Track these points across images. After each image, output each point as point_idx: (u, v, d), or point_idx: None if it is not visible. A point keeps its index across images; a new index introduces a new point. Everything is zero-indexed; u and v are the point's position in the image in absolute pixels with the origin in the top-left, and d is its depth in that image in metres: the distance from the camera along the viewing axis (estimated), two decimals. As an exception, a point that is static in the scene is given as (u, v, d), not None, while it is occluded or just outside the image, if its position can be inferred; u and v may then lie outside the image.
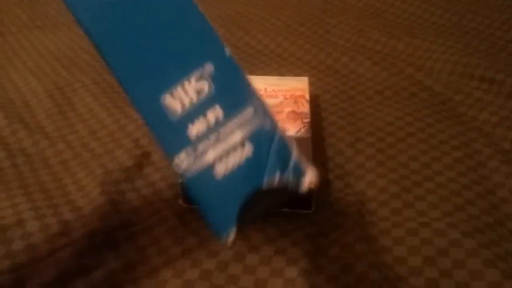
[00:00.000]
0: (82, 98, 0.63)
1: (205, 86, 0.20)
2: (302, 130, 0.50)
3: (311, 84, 0.64)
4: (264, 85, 0.57)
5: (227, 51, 0.20)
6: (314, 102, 0.61)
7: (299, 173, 0.20)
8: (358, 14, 0.84)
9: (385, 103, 0.60)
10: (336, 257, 0.39)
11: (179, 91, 0.20)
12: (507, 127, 0.53)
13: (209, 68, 0.20)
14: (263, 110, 0.20)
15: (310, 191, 0.42)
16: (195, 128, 0.20)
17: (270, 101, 0.54)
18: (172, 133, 0.20)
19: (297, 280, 0.37)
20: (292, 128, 0.50)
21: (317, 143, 0.53)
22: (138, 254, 0.40)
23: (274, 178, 0.20)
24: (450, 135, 0.53)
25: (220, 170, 0.20)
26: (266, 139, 0.20)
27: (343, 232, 0.42)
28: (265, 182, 0.20)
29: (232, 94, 0.20)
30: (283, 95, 0.55)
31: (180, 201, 0.44)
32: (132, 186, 0.48)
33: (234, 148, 0.20)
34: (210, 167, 0.20)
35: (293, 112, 0.52)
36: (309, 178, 0.20)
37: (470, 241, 0.39)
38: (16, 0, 0.98)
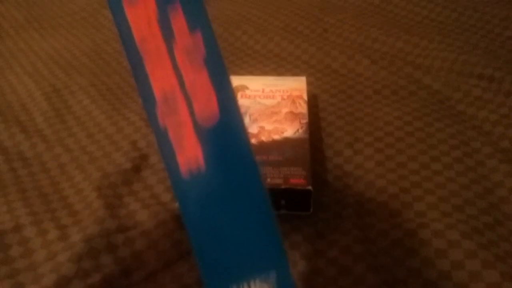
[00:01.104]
0: (80, 100, 0.63)
1: None
2: (300, 131, 0.49)
3: (309, 83, 0.64)
4: (262, 85, 0.57)
5: (289, 265, 0.25)
6: (313, 102, 0.60)
7: None
8: (357, 12, 0.84)
9: (383, 102, 0.59)
10: (335, 259, 0.39)
11: (245, 285, 0.24)
12: (507, 125, 0.53)
13: (272, 275, 0.25)
14: None
15: (309, 193, 0.42)
16: None
17: (267, 102, 0.54)
18: None
19: (295, 282, 0.37)
20: (290, 129, 0.49)
21: (315, 143, 0.53)
22: (135, 258, 0.40)
23: None
24: (449, 134, 0.52)
25: None
26: None
27: (341, 234, 0.41)
28: None
29: None
30: (281, 96, 0.55)
31: (178, 204, 0.44)
32: (129, 189, 0.47)
33: None
34: None
35: (291, 112, 0.52)
36: None
37: (469, 242, 0.39)
38: (13, 2, 0.98)
